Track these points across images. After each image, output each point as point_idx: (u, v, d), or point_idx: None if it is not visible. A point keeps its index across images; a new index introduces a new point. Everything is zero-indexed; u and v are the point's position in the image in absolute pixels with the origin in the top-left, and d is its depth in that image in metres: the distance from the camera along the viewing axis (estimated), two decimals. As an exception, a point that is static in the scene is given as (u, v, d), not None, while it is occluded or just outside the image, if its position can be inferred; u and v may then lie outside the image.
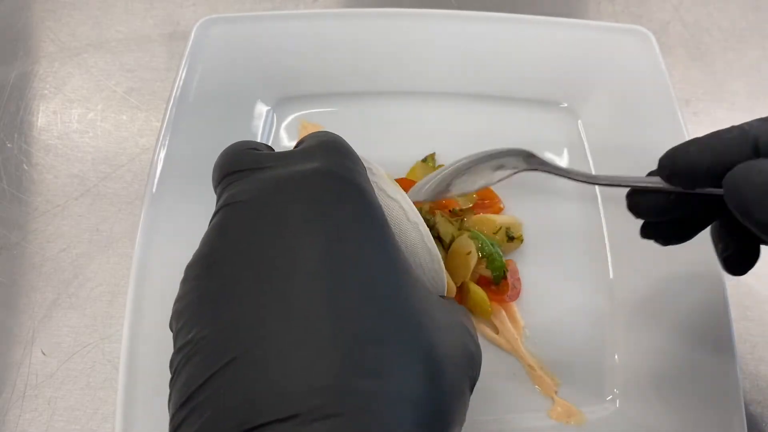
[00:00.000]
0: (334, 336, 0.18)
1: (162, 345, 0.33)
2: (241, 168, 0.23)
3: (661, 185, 0.28)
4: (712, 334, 0.35)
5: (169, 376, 0.32)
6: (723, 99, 0.49)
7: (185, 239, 0.36)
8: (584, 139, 0.43)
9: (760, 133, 0.24)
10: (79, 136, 0.45)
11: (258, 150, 0.25)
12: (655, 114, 0.41)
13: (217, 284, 0.20)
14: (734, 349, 0.34)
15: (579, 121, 0.44)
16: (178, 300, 0.21)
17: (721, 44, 0.51)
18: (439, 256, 0.27)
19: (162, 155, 0.38)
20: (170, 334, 0.33)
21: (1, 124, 0.46)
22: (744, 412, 0.33)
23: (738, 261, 0.28)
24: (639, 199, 0.29)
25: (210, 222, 0.23)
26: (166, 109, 0.40)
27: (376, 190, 0.26)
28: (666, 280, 0.37)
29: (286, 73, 0.44)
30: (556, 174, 0.32)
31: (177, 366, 0.20)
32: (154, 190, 0.37)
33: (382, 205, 0.25)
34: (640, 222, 0.30)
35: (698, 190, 0.27)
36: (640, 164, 0.40)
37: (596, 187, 0.42)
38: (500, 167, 0.33)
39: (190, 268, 0.22)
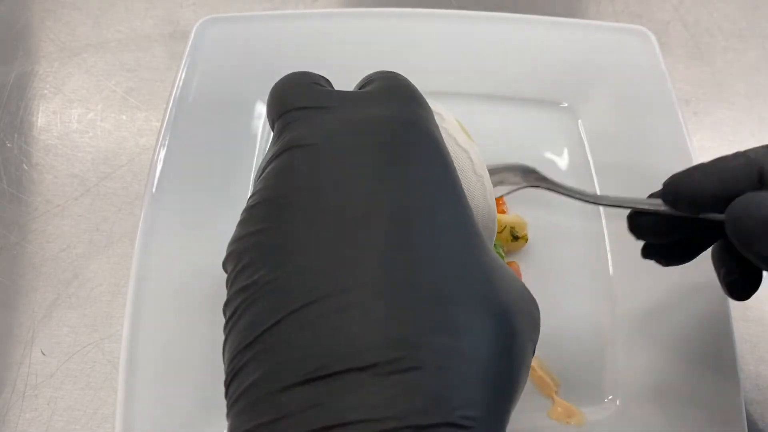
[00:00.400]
0: (411, 290, 0.18)
1: (162, 345, 0.33)
2: (305, 105, 0.22)
3: (662, 208, 0.28)
4: (713, 335, 0.35)
5: (170, 375, 0.33)
6: (723, 99, 0.49)
7: (185, 239, 0.36)
8: (584, 139, 0.43)
9: (766, 162, 0.24)
10: (79, 136, 0.45)
11: (321, 85, 0.24)
12: (655, 114, 0.41)
13: (288, 228, 0.19)
14: (734, 348, 0.34)
15: (579, 121, 0.44)
16: (238, 240, 0.20)
17: (721, 44, 0.51)
18: (496, 215, 0.26)
19: (162, 155, 0.38)
20: (170, 334, 0.33)
21: (1, 124, 0.46)
22: (744, 412, 0.33)
23: (742, 285, 0.28)
24: (640, 221, 0.29)
25: (266, 159, 0.22)
26: (166, 109, 0.40)
27: (446, 137, 0.25)
28: (666, 280, 0.37)
29: (286, 73, 0.44)
30: (556, 191, 0.32)
31: (236, 308, 0.19)
32: (154, 190, 0.37)
33: (450, 152, 0.25)
34: None
35: (701, 215, 0.27)
36: (641, 164, 0.40)
37: (596, 187, 0.42)
38: (500, 183, 0.33)
39: (252, 209, 0.21)
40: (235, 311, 0.19)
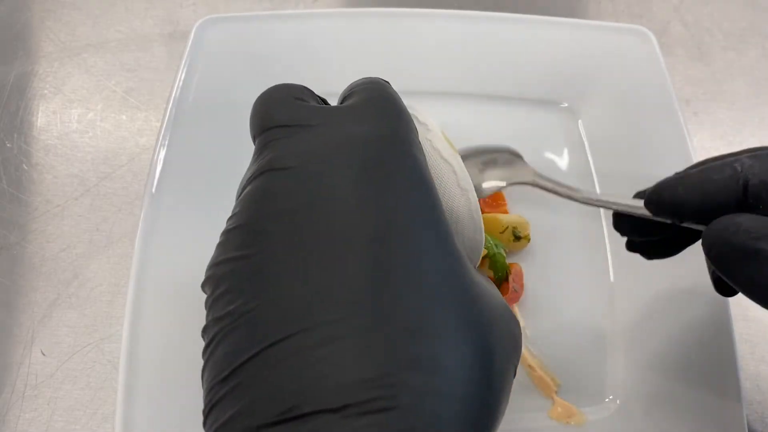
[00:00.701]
0: (388, 324, 0.18)
1: (162, 345, 0.33)
2: (286, 123, 0.22)
3: (645, 212, 0.27)
4: (713, 335, 0.35)
5: (170, 375, 0.33)
6: (723, 99, 0.49)
7: (185, 239, 0.36)
8: (584, 139, 0.43)
9: (751, 174, 0.24)
10: (79, 136, 0.45)
11: (303, 100, 0.24)
12: (655, 114, 0.41)
13: (263, 258, 0.19)
14: (734, 349, 0.34)
15: (579, 121, 0.44)
16: (215, 265, 0.20)
17: (721, 44, 0.51)
18: (482, 227, 0.26)
19: (162, 155, 0.38)
20: (170, 335, 0.33)
21: (0, 124, 0.46)
22: (744, 412, 0.33)
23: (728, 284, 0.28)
24: (623, 220, 0.29)
25: (246, 178, 0.22)
26: (166, 109, 0.40)
27: (429, 149, 0.25)
28: (666, 280, 0.37)
29: (286, 73, 0.44)
30: (544, 188, 0.32)
31: (214, 336, 0.19)
32: (154, 190, 0.37)
33: (434, 167, 0.24)
34: None
35: (684, 224, 0.27)
36: (641, 164, 0.40)
37: (596, 187, 0.42)
38: (489, 163, 0.33)
39: (230, 233, 0.21)
40: (212, 339, 0.19)
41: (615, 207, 0.29)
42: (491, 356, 0.19)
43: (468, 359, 0.19)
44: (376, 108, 0.23)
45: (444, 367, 0.18)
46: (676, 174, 0.27)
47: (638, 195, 0.29)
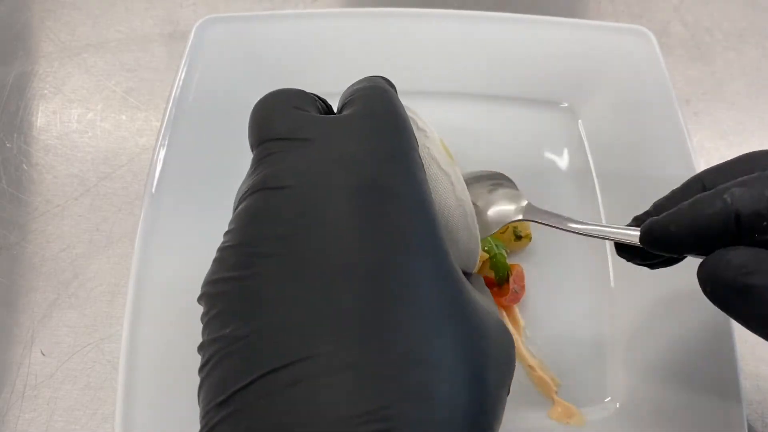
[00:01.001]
0: (383, 356, 0.18)
1: (162, 345, 0.33)
2: (283, 136, 0.21)
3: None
4: (713, 335, 0.35)
5: (170, 375, 0.32)
6: (723, 99, 0.49)
7: (185, 239, 0.36)
8: (584, 139, 0.43)
9: (741, 205, 0.23)
10: (79, 136, 0.45)
11: (302, 108, 0.23)
12: (655, 114, 0.41)
13: (257, 281, 0.19)
14: (734, 349, 0.34)
15: (579, 121, 0.44)
16: (211, 283, 0.20)
17: (721, 44, 0.51)
18: (479, 236, 0.26)
19: (162, 155, 0.38)
20: (170, 335, 0.33)
21: (0, 124, 0.46)
22: (744, 412, 0.33)
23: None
24: (624, 249, 0.29)
25: (242, 192, 0.22)
26: (166, 109, 0.40)
27: (427, 158, 0.24)
28: (666, 280, 0.37)
29: (286, 73, 0.44)
30: (539, 222, 0.32)
31: (210, 358, 0.19)
32: (153, 190, 0.37)
33: (431, 177, 0.24)
34: None
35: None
36: (641, 164, 0.40)
37: (596, 187, 0.42)
38: (494, 188, 0.33)
39: (225, 251, 0.20)
40: (208, 360, 0.19)
41: (612, 237, 0.29)
42: (485, 381, 0.20)
43: (464, 387, 0.19)
44: (376, 122, 0.22)
45: (440, 396, 0.18)
46: (666, 214, 0.26)
47: (636, 220, 0.29)
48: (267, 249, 0.19)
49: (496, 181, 0.34)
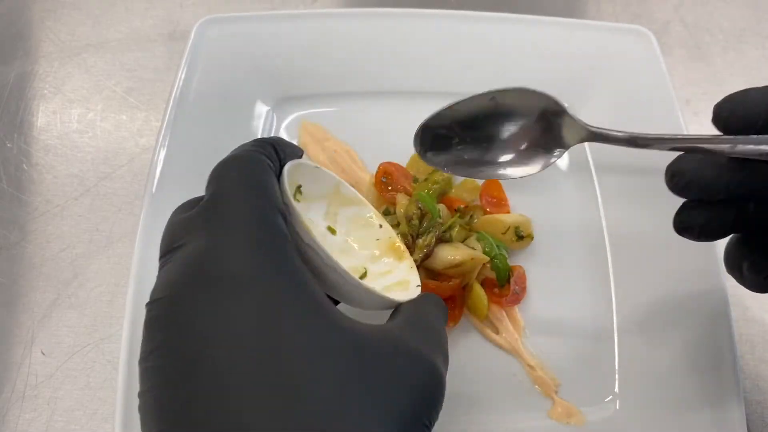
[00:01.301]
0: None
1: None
2: (165, 250, 0.24)
3: (711, 145, 0.26)
4: (713, 334, 0.35)
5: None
6: (723, 99, 0.49)
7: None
8: (584, 139, 0.43)
9: None
10: (79, 136, 0.45)
11: (188, 215, 0.25)
12: (655, 114, 0.41)
13: (157, 393, 0.21)
14: (734, 349, 0.34)
15: (579, 121, 0.44)
16: (147, 355, 0.22)
17: (721, 44, 0.51)
18: (346, 271, 0.26)
19: (162, 155, 0.38)
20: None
21: (0, 124, 0.46)
22: (744, 412, 0.33)
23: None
24: (685, 167, 0.27)
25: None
26: (166, 109, 0.40)
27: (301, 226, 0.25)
28: (666, 280, 0.37)
29: (285, 73, 0.44)
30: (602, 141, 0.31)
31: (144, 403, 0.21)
32: (153, 190, 0.37)
33: (303, 254, 0.25)
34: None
35: (750, 149, 0.26)
36: (640, 164, 0.40)
37: (597, 187, 0.42)
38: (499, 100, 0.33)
39: (143, 361, 0.22)
40: (144, 404, 0.21)
41: (676, 146, 0.28)
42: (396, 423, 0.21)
43: None
44: (236, 208, 0.24)
45: None
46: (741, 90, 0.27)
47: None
48: (154, 362, 0.21)
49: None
